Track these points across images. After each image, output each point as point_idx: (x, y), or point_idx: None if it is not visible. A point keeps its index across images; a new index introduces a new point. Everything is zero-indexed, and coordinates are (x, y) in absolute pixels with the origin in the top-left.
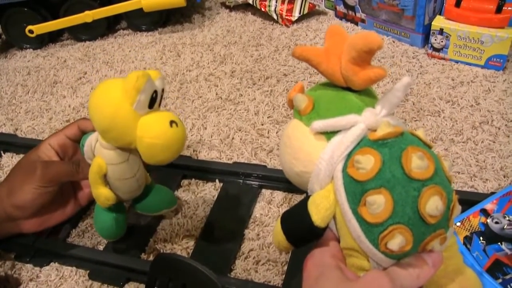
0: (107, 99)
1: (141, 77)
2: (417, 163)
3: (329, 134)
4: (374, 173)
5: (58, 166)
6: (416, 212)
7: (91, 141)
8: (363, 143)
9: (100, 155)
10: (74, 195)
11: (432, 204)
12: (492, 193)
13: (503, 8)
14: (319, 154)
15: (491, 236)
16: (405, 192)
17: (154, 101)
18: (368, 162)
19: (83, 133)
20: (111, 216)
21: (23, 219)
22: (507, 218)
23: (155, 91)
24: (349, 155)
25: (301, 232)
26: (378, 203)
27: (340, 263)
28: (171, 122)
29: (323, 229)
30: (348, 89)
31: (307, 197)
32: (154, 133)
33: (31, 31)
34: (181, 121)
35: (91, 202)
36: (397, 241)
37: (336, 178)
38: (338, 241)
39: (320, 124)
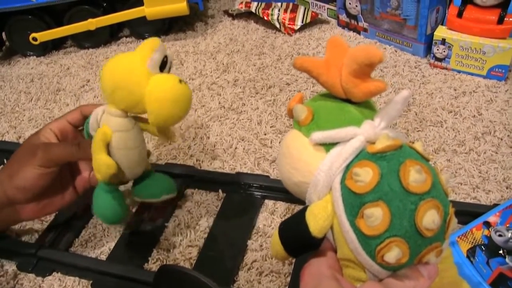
0: (125, 59)
1: (155, 39)
2: (414, 177)
3: (328, 145)
4: (372, 186)
5: (58, 147)
6: (413, 225)
7: (97, 112)
8: (362, 156)
9: (106, 123)
10: (72, 182)
11: (429, 218)
12: (495, 204)
13: (505, 19)
14: (318, 165)
15: (494, 249)
16: (402, 205)
17: (164, 65)
18: (367, 175)
19: (85, 118)
20: (111, 196)
21: (23, 203)
22: (510, 231)
23: (166, 56)
24: (348, 167)
25: (299, 242)
26: (376, 216)
27: (336, 273)
28: (180, 81)
29: (321, 240)
30: (348, 100)
31: (305, 208)
32: (164, 87)
33: (34, 39)
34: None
35: (87, 201)
36: (394, 253)
37: (334, 189)
38: (335, 251)
39: (320, 135)
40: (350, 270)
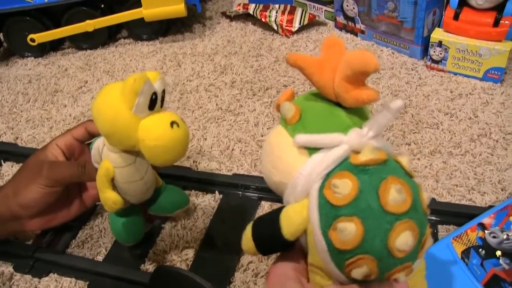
0: (107, 104)
1: (138, 80)
2: (394, 196)
3: (311, 149)
4: (349, 200)
5: (64, 167)
6: (385, 245)
7: (99, 144)
8: (344, 166)
9: (107, 158)
10: (80, 196)
11: (403, 239)
12: (490, 206)
13: (501, 21)
14: (299, 168)
15: (489, 251)
16: (377, 224)
17: (154, 103)
18: (345, 187)
19: (90, 134)
20: (123, 220)
21: (27, 219)
22: (504, 233)
23: (154, 93)
24: (328, 175)
25: (270, 242)
26: (349, 230)
27: (301, 277)
28: (172, 123)
29: (292, 242)
30: (339, 104)
31: (282, 208)
32: (155, 135)
33: (32, 40)
34: (183, 120)
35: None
36: (362, 271)
37: (312, 196)
38: (305, 254)
39: (304, 138)
40: (317, 277)
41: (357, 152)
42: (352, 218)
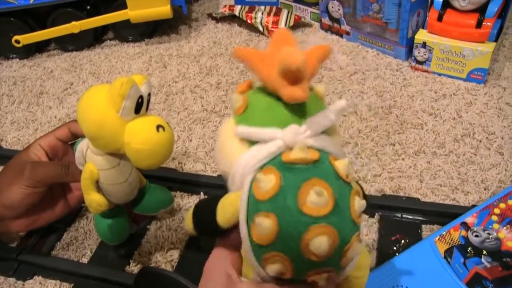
0: (93, 107)
1: (126, 83)
2: (312, 198)
3: (252, 142)
4: (269, 195)
5: (46, 167)
6: (298, 247)
7: (82, 146)
8: (275, 162)
9: (91, 160)
10: (64, 196)
11: (316, 243)
12: (473, 206)
13: (483, 23)
14: (237, 159)
15: (471, 250)
16: (293, 223)
17: (140, 107)
18: (268, 183)
19: (74, 135)
20: (107, 221)
21: (11, 219)
22: (486, 232)
23: (141, 96)
24: (261, 168)
25: (206, 226)
26: (264, 226)
27: (231, 269)
28: (158, 127)
29: (227, 229)
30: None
31: (218, 196)
32: (140, 138)
33: (17, 41)
34: (168, 124)
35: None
36: (276, 267)
37: (244, 188)
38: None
39: (243, 130)
40: (246, 268)
41: (291, 149)
42: (269, 214)
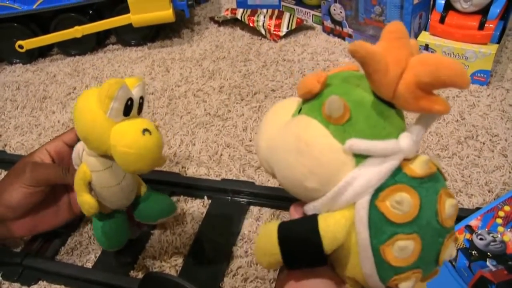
0: (85, 108)
1: (113, 85)
2: (450, 211)
3: (358, 156)
4: (411, 217)
5: (46, 168)
6: (436, 259)
7: (79, 148)
8: (400, 178)
9: (85, 162)
10: (68, 203)
11: (449, 252)
12: (477, 208)
13: (485, 25)
14: (343, 176)
15: (476, 253)
16: (434, 240)
17: (129, 109)
18: (407, 205)
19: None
20: (104, 227)
21: (14, 221)
22: (491, 235)
23: (130, 99)
24: (385, 187)
25: (303, 253)
26: (409, 249)
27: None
28: (144, 130)
29: (326, 257)
30: (387, 102)
31: (313, 217)
32: (125, 141)
33: (21, 46)
34: (156, 128)
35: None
36: (410, 284)
37: (361, 207)
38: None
39: (361, 145)
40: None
41: (406, 159)
42: (413, 236)
